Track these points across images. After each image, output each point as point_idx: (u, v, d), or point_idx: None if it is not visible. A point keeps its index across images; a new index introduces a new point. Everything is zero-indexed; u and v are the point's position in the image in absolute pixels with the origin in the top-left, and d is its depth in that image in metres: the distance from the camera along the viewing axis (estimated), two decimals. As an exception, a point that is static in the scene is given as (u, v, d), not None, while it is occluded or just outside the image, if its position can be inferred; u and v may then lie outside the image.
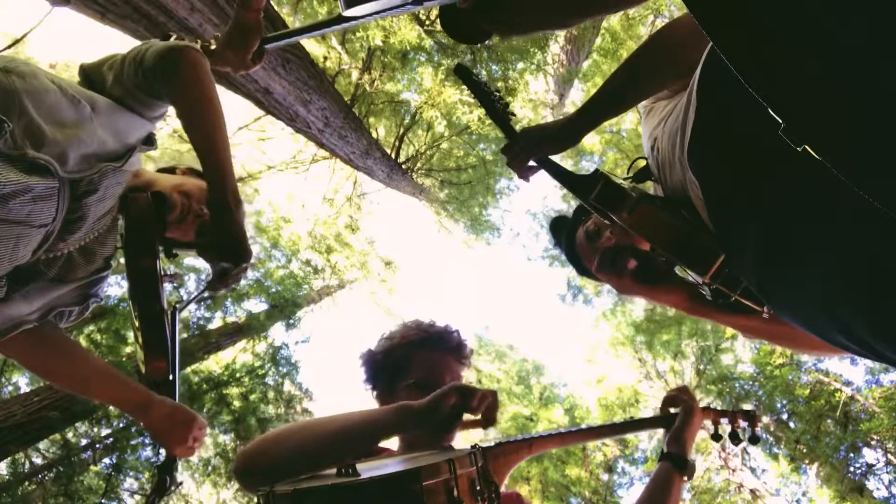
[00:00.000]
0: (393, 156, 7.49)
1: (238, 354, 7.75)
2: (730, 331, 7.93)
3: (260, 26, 1.39)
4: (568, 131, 1.21)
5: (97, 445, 5.95)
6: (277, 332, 9.19)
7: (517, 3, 1.07)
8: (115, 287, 6.11)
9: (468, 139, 8.46)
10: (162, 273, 1.37)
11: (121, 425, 5.88)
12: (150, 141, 1.34)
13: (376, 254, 10.88)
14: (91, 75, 1.30)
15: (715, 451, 8.14)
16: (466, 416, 1.05)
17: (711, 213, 0.94)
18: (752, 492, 7.99)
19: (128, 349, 5.80)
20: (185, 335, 6.85)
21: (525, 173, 1.29)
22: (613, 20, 7.53)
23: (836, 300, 0.73)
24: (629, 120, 8.54)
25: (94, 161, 1.15)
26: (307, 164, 8.54)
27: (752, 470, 8.25)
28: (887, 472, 6.86)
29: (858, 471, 7.02)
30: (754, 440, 1.51)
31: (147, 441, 5.84)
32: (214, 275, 1.24)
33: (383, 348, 1.36)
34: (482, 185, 9.44)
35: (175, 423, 1.40)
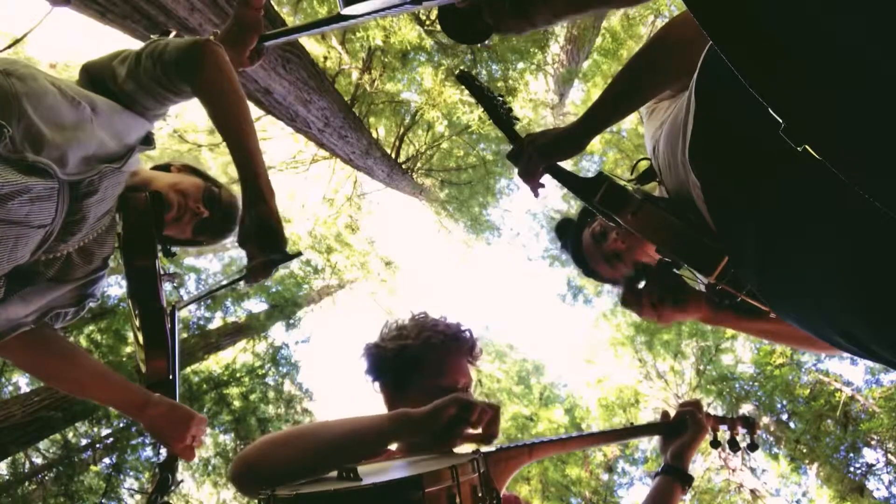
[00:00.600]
0: (393, 156, 7.49)
1: (238, 354, 7.75)
2: (730, 331, 7.94)
3: (260, 24, 1.39)
4: (575, 136, 1.21)
5: (97, 445, 5.95)
6: (277, 331, 9.20)
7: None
8: (115, 287, 6.12)
9: (468, 139, 8.46)
10: (161, 272, 1.37)
11: (121, 425, 5.88)
12: (148, 141, 1.34)
13: (376, 254, 10.88)
14: (96, 72, 1.29)
15: (715, 452, 8.12)
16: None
17: (713, 214, 0.94)
18: (752, 492, 7.99)
19: (128, 349, 5.80)
20: (185, 335, 6.85)
21: (535, 185, 1.29)
22: (614, 20, 7.53)
23: (834, 301, 0.73)
24: (629, 120, 8.53)
25: (93, 162, 1.14)
26: (307, 164, 8.54)
27: (752, 470, 8.25)
28: (887, 472, 6.86)
29: (858, 471, 7.03)
30: (753, 447, 1.52)
31: (147, 441, 5.85)
32: (257, 265, 1.21)
33: (396, 345, 1.31)
34: (482, 184, 9.45)
35: (172, 421, 1.40)
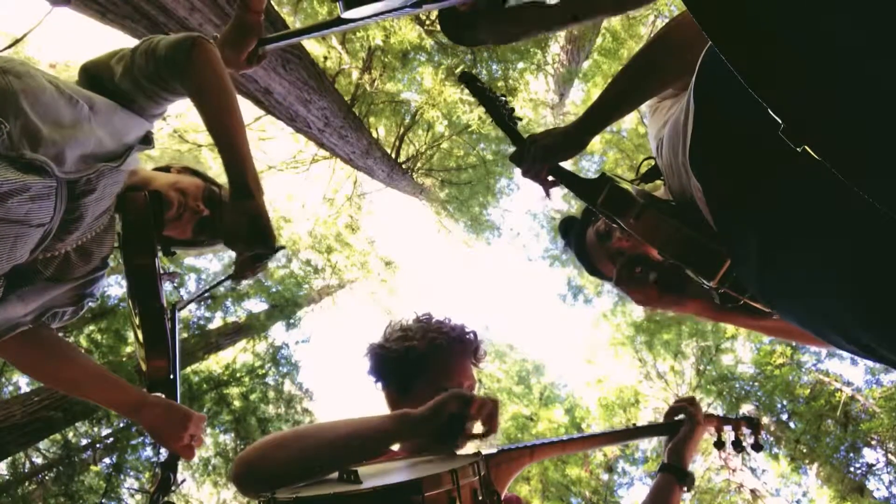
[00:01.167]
0: (393, 155, 7.49)
1: (238, 354, 7.75)
2: (730, 331, 7.94)
3: (260, 27, 1.39)
4: (576, 135, 1.21)
5: (97, 445, 5.95)
6: (278, 331, 9.20)
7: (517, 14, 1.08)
8: (115, 287, 6.12)
9: (468, 139, 8.46)
10: (161, 271, 1.37)
11: (121, 425, 5.89)
12: (147, 140, 1.33)
13: (376, 253, 10.89)
14: (95, 71, 1.29)
15: (715, 452, 8.13)
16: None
17: (714, 216, 0.94)
18: (753, 492, 7.99)
19: (128, 349, 5.80)
20: (185, 335, 6.85)
21: (545, 186, 1.28)
22: (614, 20, 7.53)
23: (835, 301, 0.73)
24: (629, 120, 8.53)
25: (91, 161, 1.14)
26: (307, 164, 8.54)
27: (753, 470, 8.24)
28: (888, 472, 6.86)
29: (859, 471, 7.02)
30: (757, 448, 1.51)
31: (147, 441, 5.85)
32: (242, 263, 1.22)
33: (401, 346, 1.30)
34: (482, 184, 9.45)
35: (170, 421, 1.40)
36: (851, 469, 7.04)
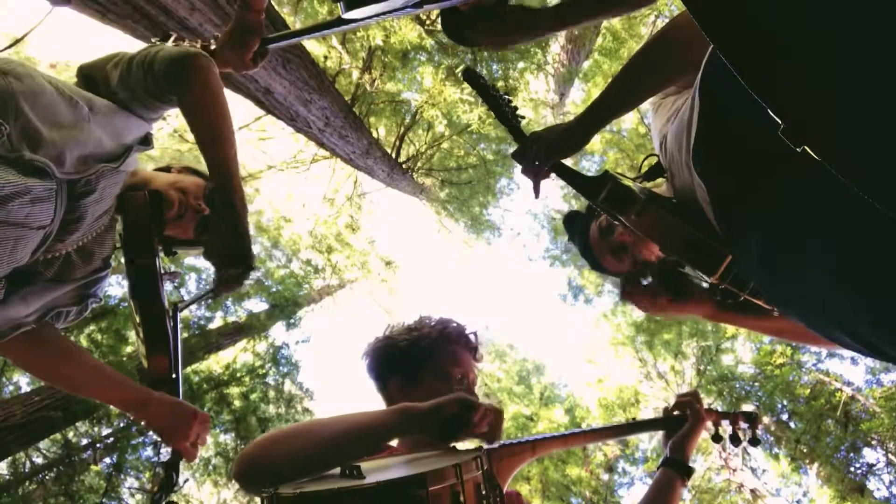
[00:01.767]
0: (393, 155, 7.49)
1: (239, 354, 7.75)
2: (730, 331, 7.94)
3: (261, 27, 1.39)
4: (579, 131, 1.21)
5: (98, 445, 5.95)
6: (278, 331, 9.19)
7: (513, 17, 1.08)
8: (116, 287, 6.13)
9: (468, 139, 8.46)
10: (162, 271, 1.38)
11: (121, 425, 5.89)
12: (147, 141, 1.34)
13: (376, 253, 10.89)
14: (91, 74, 1.29)
15: (716, 452, 8.13)
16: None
17: (717, 213, 0.95)
18: (753, 492, 7.98)
19: (128, 349, 5.80)
20: (185, 335, 6.85)
21: (538, 185, 1.29)
22: (614, 20, 7.52)
23: (838, 300, 0.73)
24: (629, 119, 8.53)
25: (91, 162, 1.14)
26: (308, 164, 8.54)
27: (753, 470, 8.24)
28: (888, 472, 6.86)
29: (859, 471, 7.02)
30: (754, 442, 1.52)
31: (148, 440, 5.85)
32: (220, 280, 1.22)
33: (411, 337, 1.33)
34: (482, 184, 9.45)
35: (175, 419, 1.40)
36: (852, 469, 7.04)
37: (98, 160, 1.16)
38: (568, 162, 1.27)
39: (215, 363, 7.57)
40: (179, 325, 1.47)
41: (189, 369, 6.68)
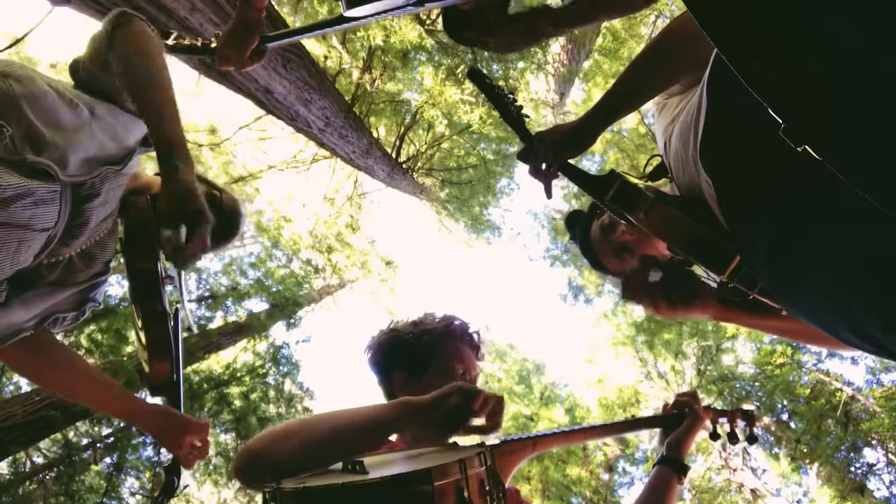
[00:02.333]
0: (393, 155, 7.49)
1: (239, 354, 7.75)
2: (730, 331, 7.93)
3: (262, 24, 1.39)
4: (586, 131, 1.21)
5: (98, 445, 5.95)
6: (278, 331, 9.20)
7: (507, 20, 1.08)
8: (116, 286, 6.12)
9: (469, 138, 8.46)
10: (163, 275, 1.38)
11: (121, 425, 5.88)
12: (147, 142, 1.34)
13: (377, 253, 10.88)
14: (88, 80, 1.29)
15: (716, 451, 8.13)
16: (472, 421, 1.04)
17: (724, 212, 0.95)
18: (753, 492, 7.98)
19: (128, 349, 5.80)
20: (185, 335, 6.83)
21: (549, 185, 1.28)
22: (614, 20, 7.51)
23: (843, 297, 0.73)
24: (629, 119, 8.52)
25: (94, 164, 1.15)
26: (308, 164, 8.54)
27: (753, 470, 8.24)
28: (888, 472, 6.86)
29: (859, 471, 7.02)
30: (752, 440, 1.52)
31: (148, 440, 5.85)
32: (173, 245, 1.09)
33: (417, 330, 1.34)
34: (483, 184, 9.44)
35: (168, 429, 1.41)
36: (852, 469, 7.04)
37: (101, 162, 1.16)
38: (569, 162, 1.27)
39: (215, 363, 7.57)
40: (181, 326, 1.47)
41: (189, 369, 6.68)
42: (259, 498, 0.84)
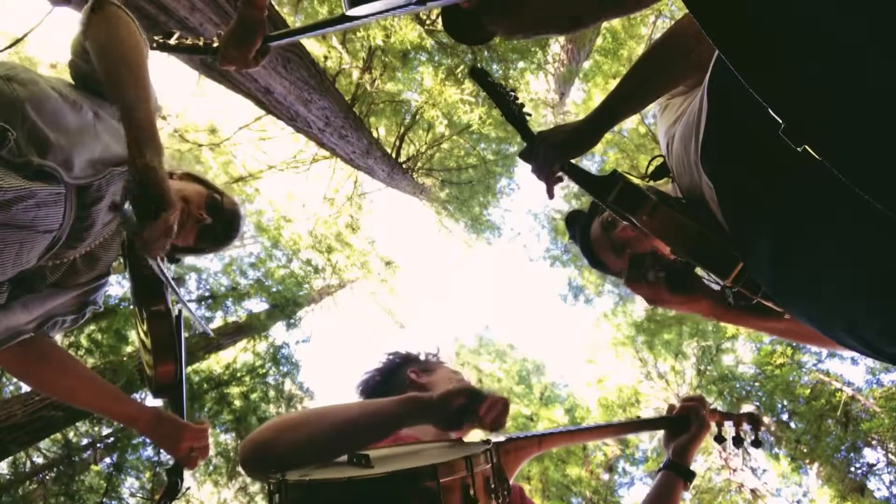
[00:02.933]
0: (393, 155, 7.49)
1: (239, 354, 7.76)
2: (731, 331, 7.93)
3: (264, 24, 1.39)
4: (588, 132, 1.20)
5: (98, 445, 5.95)
6: (278, 331, 9.21)
7: (522, 5, 1.06)
8: (116, 286, 6.12)
9: (469, 139, 8.45)
10: (164, 276, 1.38)
11: (121, 425, 5.88)
12: None
13: (377, 253, 10.88)
14: (81, 76, 1.29)
15: (716, 451, 8.13)
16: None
17: (726, 214, 0.94)
18: (753, 492, 7.98)
19: (128, 349, 5.80)
20: (186, 335, 6.83)
21: (551, 185, 1.28)
22: (615, 20, 7.52)
23: (842, 300, 0.73)
24: (629, 119, 8.52)
25: (99, 166, 1.14)
26: (308, 164, 8.54)
27: (753, 470, 8.24)
28: (888, 472, 6.86)
29: (859, 471, 7.02)
30: (757, 444, 1.52)
31: (148, 440, 5.84)
32: (130, 230, 1.08)
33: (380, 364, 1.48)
34: (483, 184, 9.44)
35: (164, 433, 1.42)
36: (852, 469, 7.04)
37: (107, 164, 1.16)
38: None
39: (216, 363, 7.57)
40: (182, 327, 1.48)
41: (189, 369, 6.68)
42: (259, 498, 0.84)
